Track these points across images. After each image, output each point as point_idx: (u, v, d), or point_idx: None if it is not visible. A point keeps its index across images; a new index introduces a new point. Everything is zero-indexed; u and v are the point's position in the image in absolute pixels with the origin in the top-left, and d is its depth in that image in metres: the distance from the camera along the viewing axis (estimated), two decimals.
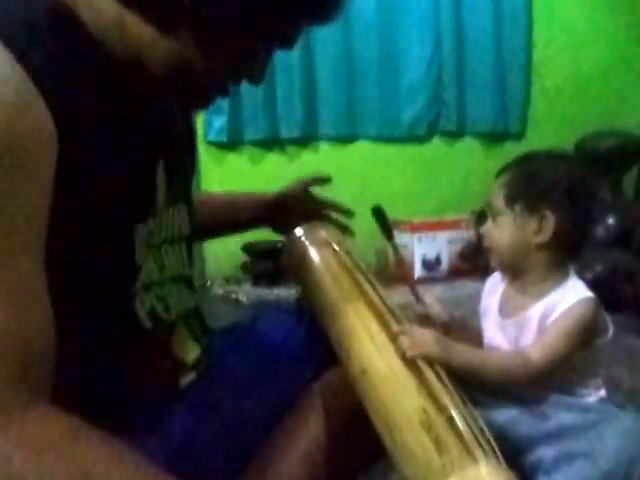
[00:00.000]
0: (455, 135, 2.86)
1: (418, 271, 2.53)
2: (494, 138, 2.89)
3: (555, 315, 0.85)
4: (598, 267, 1.95)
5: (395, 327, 0.74)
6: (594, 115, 2.83)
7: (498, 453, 0.60)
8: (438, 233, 2.57)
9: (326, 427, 0.78)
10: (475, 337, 1.00)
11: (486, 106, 2.81)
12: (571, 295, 0.87)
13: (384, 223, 1.09)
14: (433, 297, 1.01)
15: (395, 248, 1.12)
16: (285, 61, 2.52)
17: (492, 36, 2.75)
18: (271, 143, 2.68)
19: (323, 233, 0.98)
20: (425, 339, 0.73)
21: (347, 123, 2.71)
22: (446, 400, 0.64)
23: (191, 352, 0.79)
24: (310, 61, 2.61)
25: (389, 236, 1.10)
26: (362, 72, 2.68)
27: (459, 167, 2.86)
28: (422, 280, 2.48)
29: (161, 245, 0.73)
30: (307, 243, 0.96)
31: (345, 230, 1.11)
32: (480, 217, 2.35)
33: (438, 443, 0.60)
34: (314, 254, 0.94)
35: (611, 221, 2.36)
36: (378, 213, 1.10)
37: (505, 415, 0.86)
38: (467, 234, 2.58)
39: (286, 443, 0.78)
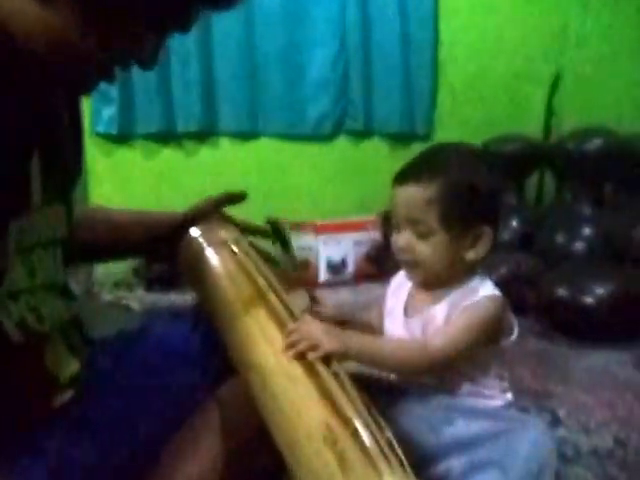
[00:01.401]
0: (361, 135, 2.84)
1: (323, 275, 2.49)
2: (401, 139, 2.87)
3: (460, 309, 0.84)
4: (502, 270, 1.96)
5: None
6: (498, 119, 2.86)
7: (406, 465, 0.58)
8: (343, 235, 2.53)
9: (222, 445, 0.72)
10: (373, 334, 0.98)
11: (393, 106, 2.78)
12: (478, 291, 0.86)
13: (281, 237, 1.03)
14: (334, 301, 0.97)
15: (294, 262, 1.07)
16: (181, 49, 2.41)
17: (398, 34, 2.72)
18: (166, 137, 2.56)
19: (221, 233, 0.92)
20: (312, 329, 0.70)
21: (249, 118, 2.62)
22: (350, 411, 0.61)
23: (68, 368, 0.72)
24: (209, 50, 2.51)
25: (287, 250, 1.04)
26: (265, 65, 2.60)
27: (365, 168, 2.83)
28: (328, 284, 2.45)
29: (33, 249, 0.66)
30: (204, 244, 0.90)
31: (270, 260, 0.99)
32: (386, 219, 2.34)
33: (342, 460, 0.57)
34: (211, 255, 0.88)
35: (515, 224, 2.41)
36: (274, 227, 1.02)
37: (413, 423, 0.83)
38: (373, 236, 2.56)
39: (177, 464, 0.72)
